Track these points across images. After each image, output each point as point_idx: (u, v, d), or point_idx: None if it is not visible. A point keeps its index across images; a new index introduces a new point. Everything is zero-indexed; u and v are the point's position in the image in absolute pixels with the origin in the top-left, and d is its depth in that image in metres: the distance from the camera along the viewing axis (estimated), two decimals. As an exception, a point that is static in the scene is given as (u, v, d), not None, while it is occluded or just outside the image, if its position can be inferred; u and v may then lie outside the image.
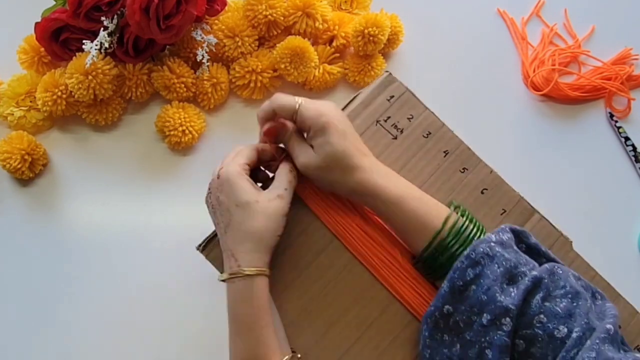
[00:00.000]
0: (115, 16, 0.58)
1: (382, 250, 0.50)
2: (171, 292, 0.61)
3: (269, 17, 0.62)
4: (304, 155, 0.47)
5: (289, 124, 0.49)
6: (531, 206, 0.54)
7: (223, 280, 0.46)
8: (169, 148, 0.65)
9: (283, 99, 0.47)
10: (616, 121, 0.66)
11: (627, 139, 0.65)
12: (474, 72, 0.68)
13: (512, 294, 0.41)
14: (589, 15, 0.69)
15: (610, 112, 0.66)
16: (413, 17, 0.68)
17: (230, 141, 0.65)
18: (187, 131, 0.62)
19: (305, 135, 0.48)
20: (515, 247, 0.44)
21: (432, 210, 0.46)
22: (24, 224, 0.63)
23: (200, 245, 0.54)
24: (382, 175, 0.47)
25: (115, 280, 0.61)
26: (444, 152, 0.55)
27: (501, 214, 0.53)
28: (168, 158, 0.65)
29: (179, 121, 0.62)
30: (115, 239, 0.62)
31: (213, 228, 0.63)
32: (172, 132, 0.62)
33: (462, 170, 0.55)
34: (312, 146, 0.47)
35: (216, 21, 0.63)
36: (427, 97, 0.67)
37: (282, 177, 0.48)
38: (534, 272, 0.42)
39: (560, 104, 0.67)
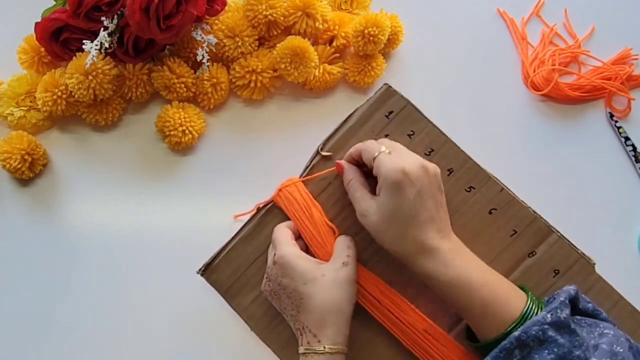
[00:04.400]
0: (115, 16, 0.58)
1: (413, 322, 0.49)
2: (171, 292, 0.61)
3: (269, 17, 0.62)
4: (364, 203, 0.47)
5: (353, 173, 0.49)
6: (548, 226, 0.50)
7: (301, 353, 0.46)
8: (169, 148, 0.65)
9: (368, 144, 0.48)
10: (616, 121, 0.66)
11: (627, 139, 0.65)
12: (474, 72, 0.68)
13: None
14: (589, 15, 0.69)
15: (610, 112, 0.66)
16: (413, 17, 0.68)
17: (230, 141, 0.66)
18: (187, 131, 0.62)
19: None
20: (572, 325, 0.42)
21: (501, 300, 0.44)
22: (24, 224, 0.63)
23: (200, 270, 0.54)
24: (447, 254, 0.44)
25: (115, 280, 0.61)
26: (448, 170, 0.51)
27: (511, 236, 0.50)
28: (168, 158, 0.65)
29: (179, 121, 0.62)
30: (115, 239, 0.62)
31: (213, 229, 0.63)
32: (172, 132, 0.62)
33: (468, 189, 0.51)
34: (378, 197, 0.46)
35: (216, 21, 0.63)
36: (427, 98, 0.67)
37: (341, 245, 0.49)
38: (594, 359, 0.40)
39: (560, 104, 0.67)
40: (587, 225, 0.63)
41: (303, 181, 0.54)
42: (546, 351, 0.40)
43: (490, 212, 0.51)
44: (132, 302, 0.61)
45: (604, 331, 0.43)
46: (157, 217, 0.63)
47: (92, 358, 0.60)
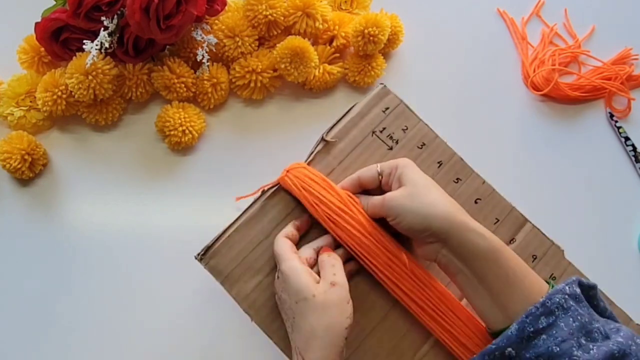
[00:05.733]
0: (115, 16, 0.58)
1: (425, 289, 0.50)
2: (171, 292, 0.61)
3: (269, 17, 0.62)
4: (385, 196, 0.47)
5: (362, 196, 0.51)
6: (523, 216, 0.55)
7: None
8: (169, 148, 0.65)
9: (365, 170, 0.51)
10: (616, 121, 0.66)
11: (627, 139, 0.65)
12: (474, 72, 0.68)
13: (592, 352, 0.39)
14: (589, 15, 0.69)
15: (610, 112, 0.66)
16: (413, 17, 0.68)
17: (230, 141, 0.66)
18: (187, 131, 0.62)
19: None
20: (585, 302, 0.42)
21: (530, 271, 0.44)
22: (24, 224, 0.63)
23: (198, 254, 0.52)
24: (472, 220, 0.45)
25: (115, 280, 0.61)
26: (438, 162, 0.55)
27: (494, 224, 0.54)
28: (168, 158, 0.65)
29: (179, 121, 0.62)
30: (115, 239, 0.62)
31: (213, 229, 0.63)
32: (172, 132, 0.62)
33: (456, 181, 0.55)
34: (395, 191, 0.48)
35: (216, 21, 0.63)
36: (427, 97, 0.67)
37: (325, 262, 0.47)
38: (620, 339, 0.40)
39: (560, 104, 0.67)
40: (587, 225, 0.63)
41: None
42: (571, 319, 0.40)
43: (475, 202, 0.55)
44: (132, 302, 0.61)
45: (620, 327, 0.43)
46: (157, 217, 0.63)
47: (92, 358, 0.60)
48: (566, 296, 0.41)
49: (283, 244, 0.49)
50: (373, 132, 0.56)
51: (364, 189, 0.52)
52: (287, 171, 0.53)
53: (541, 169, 0.65)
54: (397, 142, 0.56)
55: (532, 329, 0.41)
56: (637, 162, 0.65)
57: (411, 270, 0.49)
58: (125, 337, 0.60)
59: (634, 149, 0.65)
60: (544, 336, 0.40)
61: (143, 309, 0.61)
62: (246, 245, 0.53)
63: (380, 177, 0.49)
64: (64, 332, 0.60)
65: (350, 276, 0.51)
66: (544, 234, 0.54)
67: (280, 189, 0.54)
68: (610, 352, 0.39)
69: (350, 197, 0.51)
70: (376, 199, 0.48)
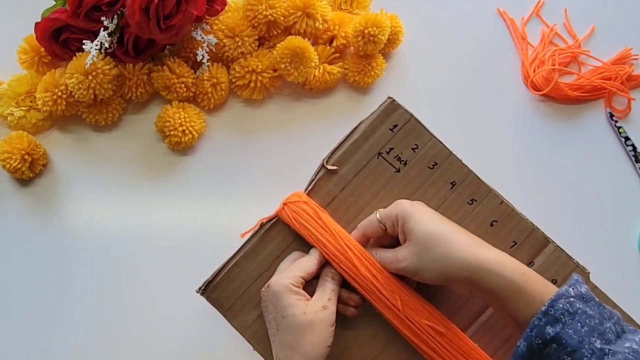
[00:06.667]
0: (115, 16, 0.58)
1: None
2: (171, 292, 0.61)
3: (269, 17, 0.62)
4: (396, 254, 0.47)
5: (370, 247, 0.51)
6: (545, 236, 0.51)
7: None
8: (169, 148, 0.65)
9: (365, 221, 0.50)
10: (616, 121, 0.66)
11: (627, 139, 0.65)
12: (474, 72, 0.68)
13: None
14: (589, 15, 0.69)
15: (610, 112, 0.66)
16: (413, 17, 0.68)
17: (230, 141, 0.66)
18: (187, 131, 0.62)
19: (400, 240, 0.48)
20: (596, 299, 0.41)
21: (539, 287, 0.43)
22: (24, 224, 0.63)
23: (200, 289, 0.52)
24: (490, 248, 0.45)
25: (115, 280, 0.62)
26: (451, 183, 0.52)
27: (511, 247, 0.51)
28: (168, 158, 0.65)
29: (179, 121, 0.62)
30: (115, 239, 0.62)
31: (213, 229, 0.63)
32: (172, 132, 0.62)
33: (471, 202, 0.52)
34: (404, 242, 0.47)
35: (216, 21, 0.63)
36: (426, 97, 0.67)
37: (324, 285, 0.48)
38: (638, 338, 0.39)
39: (560, 104, 0.67)
40: (587, 225, 0.63)
41: (308, 195, 0.53)
42: (579, 324, 0.39)
43: (491, 225, 0.52)
44: (132, 301, 0.61)
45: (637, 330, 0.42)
46: (157, 216, 0.63)
47: (91, 357, 0.60)
48: (571, 299, 0.40)
49: (303, 260, 0.50)
50: (379, 154, 0.52)
51: (372, 238, 0.51)
52: (285, 204, 0.52)
53: (541, 169, 0.65)
54: (405, 164, 0.52)
55: (540, 341, 0.40)
56: (637, 162, 0.65)
57: (404, 314, 0.48)
58: (125, 337, 0.60)
59: (634, 149, 0.65)
60: (554, 345, 0.39)
61: (143, 308, 0.61)
62: (246, 278, 0.53)
63: (383, 226, 0.48)
64: (64, 332, 0.60)
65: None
66: (568, 256, 0.51)
67: (278, 221, 0.53)
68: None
69: (345, 235, 0.50)
70: (387, 256, 0.48)
